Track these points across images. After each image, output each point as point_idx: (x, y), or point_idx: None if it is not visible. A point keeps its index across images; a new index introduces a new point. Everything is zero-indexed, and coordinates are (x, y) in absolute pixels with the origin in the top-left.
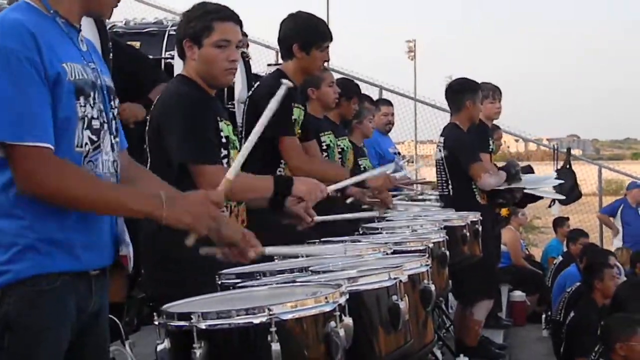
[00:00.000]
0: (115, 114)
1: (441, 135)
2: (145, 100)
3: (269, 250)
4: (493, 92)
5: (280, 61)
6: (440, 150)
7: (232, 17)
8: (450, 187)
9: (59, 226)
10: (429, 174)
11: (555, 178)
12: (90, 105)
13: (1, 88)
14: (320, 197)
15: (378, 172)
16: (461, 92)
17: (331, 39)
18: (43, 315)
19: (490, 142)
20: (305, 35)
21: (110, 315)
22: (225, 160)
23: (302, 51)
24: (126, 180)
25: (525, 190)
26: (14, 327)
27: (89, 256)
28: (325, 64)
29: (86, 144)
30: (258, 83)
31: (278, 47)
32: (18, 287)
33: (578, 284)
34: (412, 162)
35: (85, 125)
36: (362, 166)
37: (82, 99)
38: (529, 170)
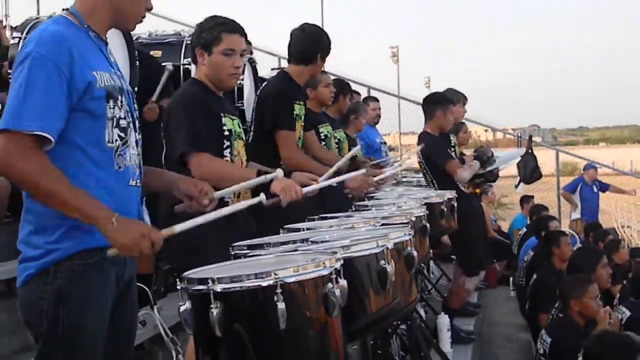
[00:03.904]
0: (137, 115)
1: (417, 143)
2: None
3: (217, 194)
4: (462, 98)
5: (282, 66)
6: (419, 156)
7: (237, 29)
8: (435, 185)
9: None
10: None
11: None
12: (118, 107)
13: (32, 86)
14: (295, 197)
15: (348, 158)
16: (434, 103)
17: None
18: (91, 286)
19: (452, 150)
20: (327, 47)
21: (141, 284)
22: (228, 150)
23: (322, 60)
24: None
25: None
26: (67, 298)
27: None
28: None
29: (116, 140)
30: (265, 83)
31: (287, 56)
32: (67, 263)
33: (532, 253)
34: (396, 150)
35: (114, 124)
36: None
37: (111, 102)
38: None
